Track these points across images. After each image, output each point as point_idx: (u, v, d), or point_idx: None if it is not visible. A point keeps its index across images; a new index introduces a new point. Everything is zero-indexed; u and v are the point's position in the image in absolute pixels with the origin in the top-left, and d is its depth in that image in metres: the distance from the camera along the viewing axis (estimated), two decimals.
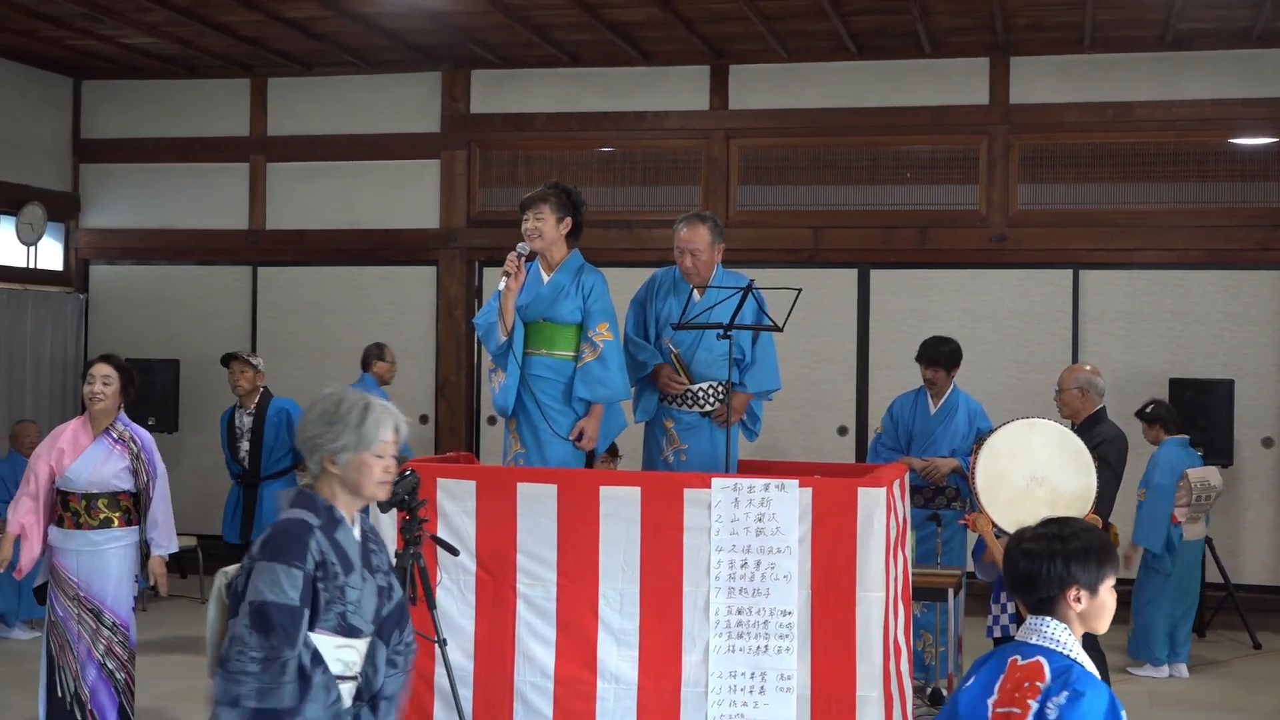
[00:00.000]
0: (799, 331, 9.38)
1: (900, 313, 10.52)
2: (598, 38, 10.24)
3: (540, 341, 5.92)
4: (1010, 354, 10.35)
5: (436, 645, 5.19)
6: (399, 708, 3.68)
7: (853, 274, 10.65)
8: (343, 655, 3.46)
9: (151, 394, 11.13)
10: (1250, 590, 9.80)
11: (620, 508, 5.28)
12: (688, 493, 5.25)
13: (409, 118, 11.39)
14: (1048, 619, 3.12)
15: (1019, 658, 3.10)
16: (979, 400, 7.95)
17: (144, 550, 6.28)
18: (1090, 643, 3.40)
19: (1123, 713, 3.02)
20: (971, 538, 7.10)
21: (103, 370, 6.25)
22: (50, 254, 11.89)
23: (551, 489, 5.38)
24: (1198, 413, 9.42)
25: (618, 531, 5.29)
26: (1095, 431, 6.65)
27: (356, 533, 3.55)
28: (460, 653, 5.39)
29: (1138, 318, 10.23)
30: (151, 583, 6.34)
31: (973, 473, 5.85)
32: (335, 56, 10.99)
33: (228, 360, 9.40)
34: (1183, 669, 8.53)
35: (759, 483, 5.20)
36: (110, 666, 6.08)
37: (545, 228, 5.89)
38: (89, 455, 6.17)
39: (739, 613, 5.18)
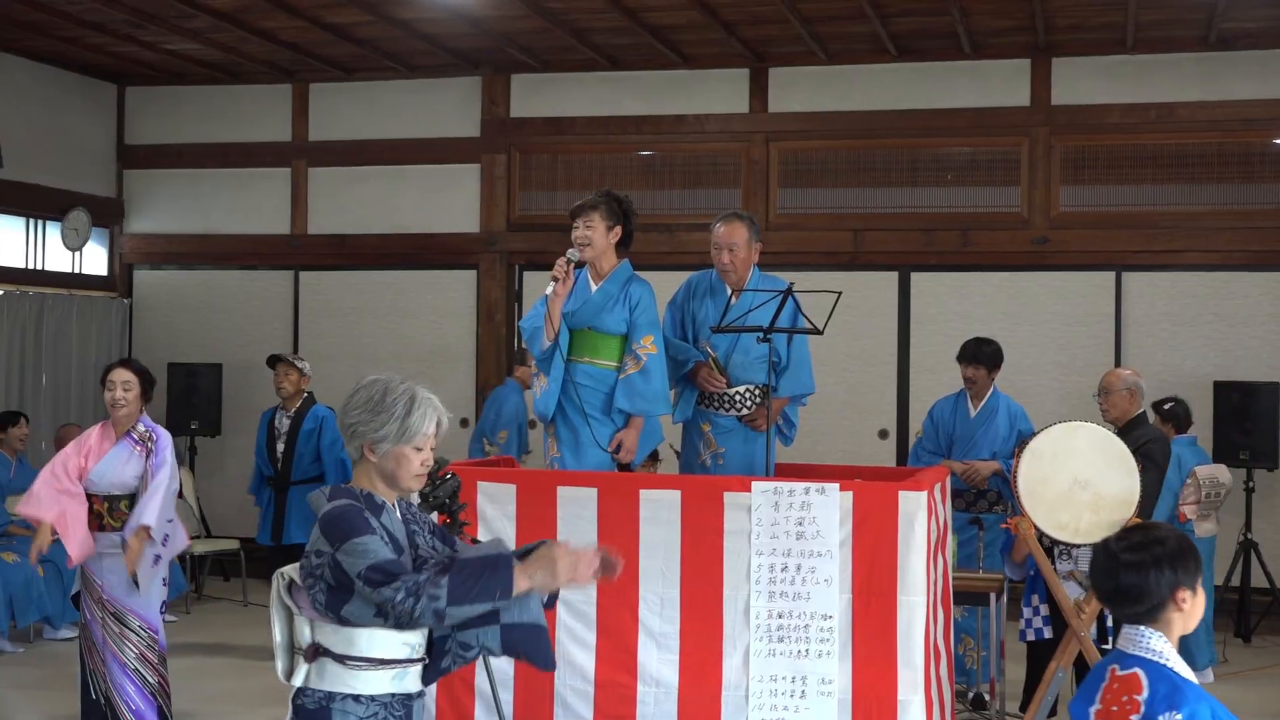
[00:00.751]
0: (839, 335, 9.35)
1: (941, 316, 10.46)
2: (637, 41, 10.24)
3: (584, 350, 5.92)
4: (1052, 357, 10.28)
5: None
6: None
7: (893, 277, 10.61)
8: (406, 637, 3.45)
9: (195, 398, 11.24)
10: None
11: (660, 511, 5.28)
12: (728, 496, 5.24)
13: (449, 122, 11.43)
14: (1143, 629, 3.07)
15: (1117, 667, 3.08)
16: (1020, 403, 7.90)
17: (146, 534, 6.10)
18: None
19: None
20: None
21: (122, 376, 6.26)
22: (95, 259, 12.00)
23: (592, 492, 5.38)
24: (1243, 416, 9.34)
25: (658, 535, 5.28)
26: (1138, 433, 6.63)
27: (398, 514, 3.56)
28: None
29: (1181, 320, 10.14)
30: (130, 565, 6.09)
31: (1015, 476, 5.80)
32: (376, 62, 11.05)
33: (274, 362, 9.35)
34: (1209, 674, 8.33)
35: (799, 486, 5.19)
36: (143, 672, 6.11)
37: (595, 236, 5.88)
38: (111, 458, 6.21)
39: (779, 616, 5.17)
